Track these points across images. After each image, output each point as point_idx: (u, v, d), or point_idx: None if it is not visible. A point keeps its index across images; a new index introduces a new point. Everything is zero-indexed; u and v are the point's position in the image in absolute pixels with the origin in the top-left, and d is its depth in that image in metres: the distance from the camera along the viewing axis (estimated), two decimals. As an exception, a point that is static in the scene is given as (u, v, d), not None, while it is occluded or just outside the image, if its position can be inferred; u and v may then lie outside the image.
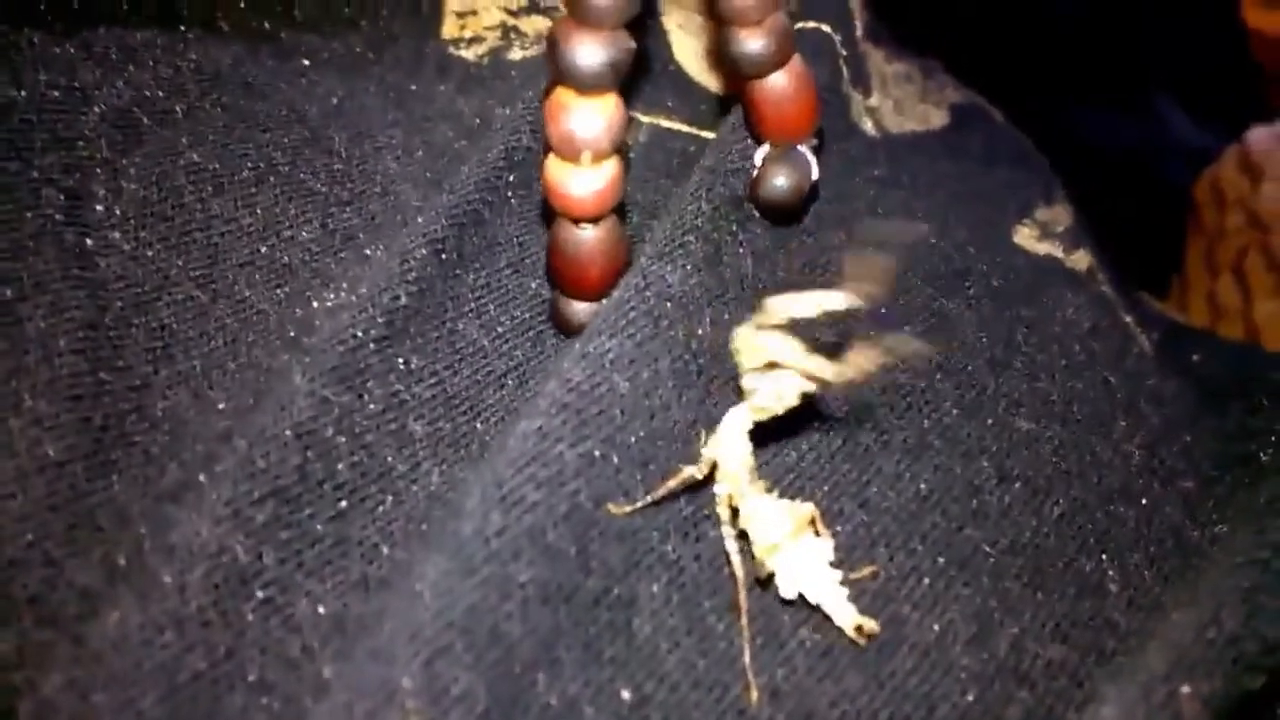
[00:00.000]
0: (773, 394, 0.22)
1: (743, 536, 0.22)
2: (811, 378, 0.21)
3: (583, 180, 0.23)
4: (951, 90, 0.43)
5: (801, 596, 0.22)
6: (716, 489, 0.22)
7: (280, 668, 0.20)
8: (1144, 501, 0.26)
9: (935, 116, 0.41)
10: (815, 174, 0.28)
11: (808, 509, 0.22)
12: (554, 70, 0.22)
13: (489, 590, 0.19)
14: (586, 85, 0.22)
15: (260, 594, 0.20)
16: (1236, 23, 0.82)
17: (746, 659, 0.21)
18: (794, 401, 0.22)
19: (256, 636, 0.20)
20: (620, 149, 0.23)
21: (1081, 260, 0.35)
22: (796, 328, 0.22)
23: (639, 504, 0.22)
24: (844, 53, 0.34)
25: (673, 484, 0.22)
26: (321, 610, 0.21)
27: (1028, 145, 0.43)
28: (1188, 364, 0.34)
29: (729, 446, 0.22)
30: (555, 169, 0.23)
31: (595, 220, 0.24)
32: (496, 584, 0.19)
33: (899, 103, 0.40)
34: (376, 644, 0.18)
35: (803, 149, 0.28)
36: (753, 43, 0.25)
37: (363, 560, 0.21)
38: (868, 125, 0.36)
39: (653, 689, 0.20)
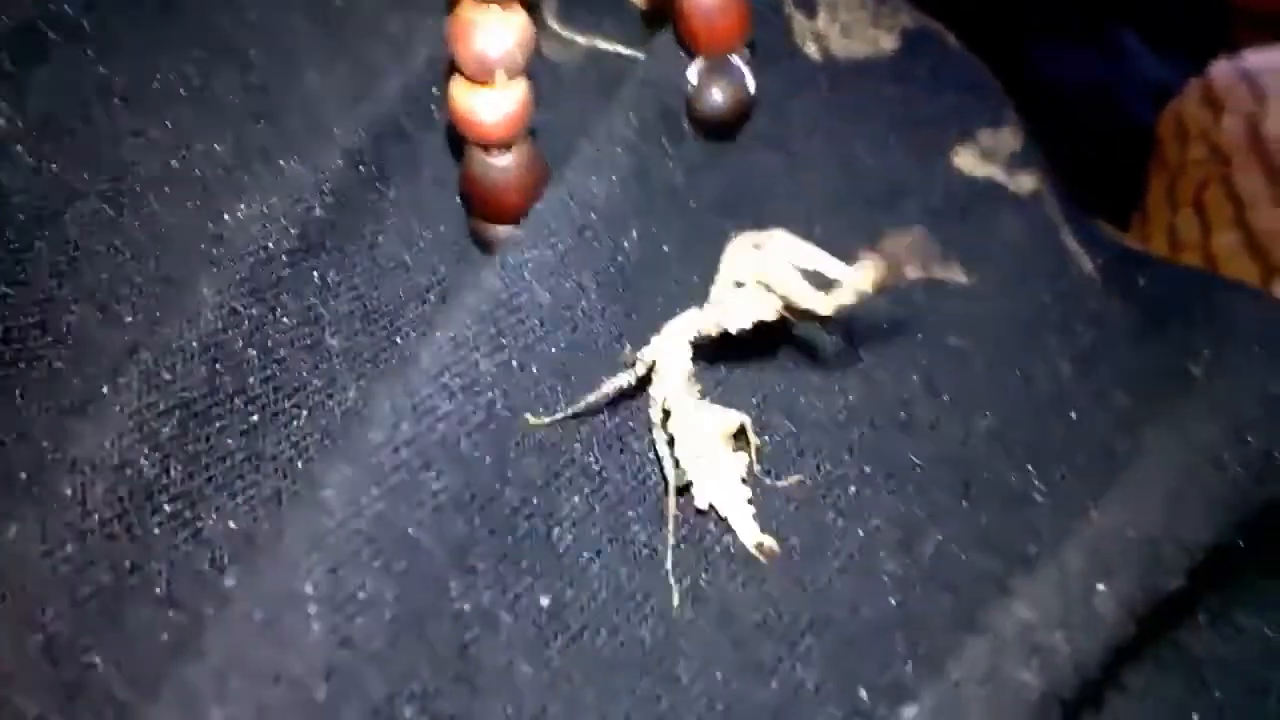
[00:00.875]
0: (737, 311, 0.21)
1: (672, 443, 0.22)
2: (790, 306, 0.21)
3: (492, 104, 0.22)
4: (905, 15, 0.43)
5: (713, 507, 0.21)
6: (652, 391, 0.22)
7: (188, 582, 0.20)
8: (1073, 415, 0.26)
9: (885, 41, 0.40)
10: (752, 87, 0.27)
11: (738, 418, 0.22)
12: None
13: (398, 499, 0.19)
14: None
15: (167, 508, 0.20)
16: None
17: (669, 563, 0.21)
18: (746, 326, 0.21)
19: (163, 550, 0.20)
20: (528, 70, 0.23)
21: (1025, 183, 0.35)
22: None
23: (560, 414, 0.21)
24: None
25: (603, 391, 0.22)
26: (232, 525, 0.20)
27: (980, 70, 0.42)
28: (1132, 287, 0.34)
29: (671, 349, 0.22)
30: (462, 94, 0.23)
31: (508, 146, 0.23)
32: (406, 492, 0.19)
33: (847, 26, 0.39)
34: (279, 552, 0.18)
35: (737, 61, 0.27)
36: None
37: (276, 475, 0.21)
38: (811, 49, 0.35)
39: (572, 595, 0.20)
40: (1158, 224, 0.71)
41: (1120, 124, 0.76)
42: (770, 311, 0.21)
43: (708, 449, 0.21)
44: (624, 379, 0.22)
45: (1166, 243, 0.69)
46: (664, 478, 0.22)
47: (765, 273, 0.21)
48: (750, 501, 0.22)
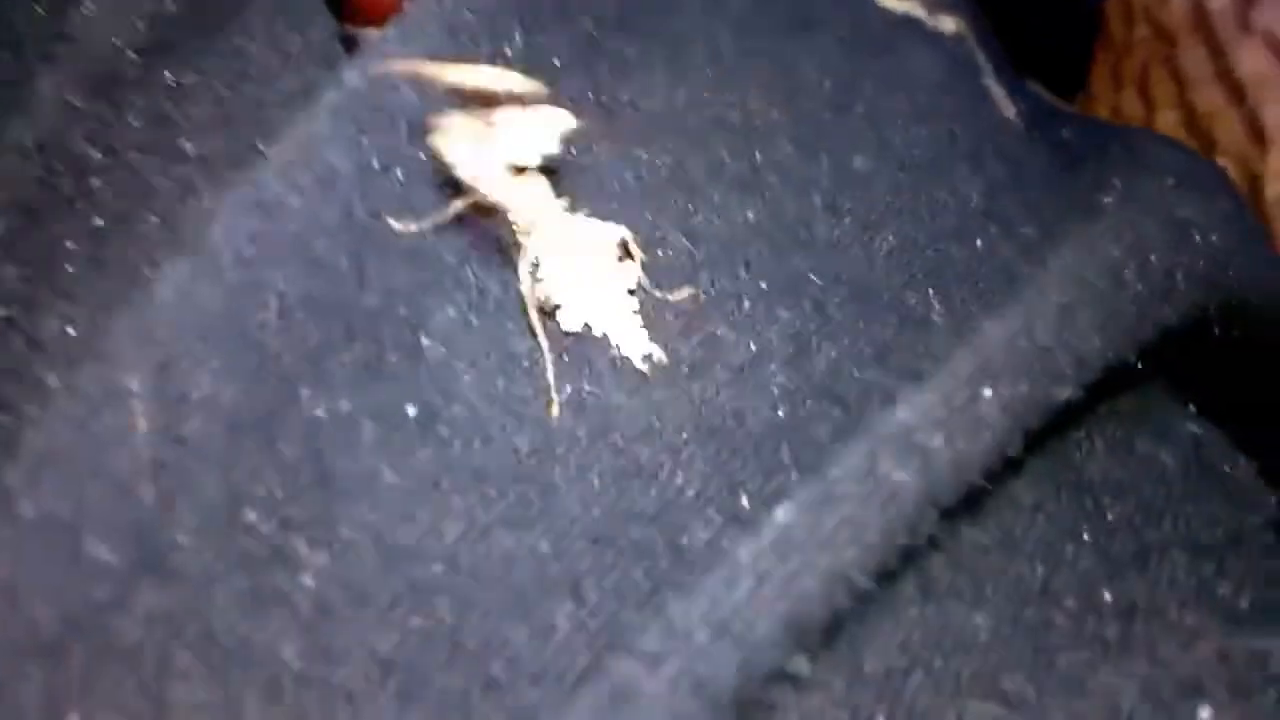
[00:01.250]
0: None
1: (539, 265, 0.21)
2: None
3: None
4: None
5: (587, 327, 0.20)
6: (511, 215, 0.21)
7: (16, 389, 0.18)
8: (978, 243, 0.25)
9: None
10: None
11: (617, 231, 0.21)
12: None
13: (239, 297, 0.17)
14: None
15: (1, 311, 0.18)
16: None
17: (550, 376, 0.20)
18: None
19: None
20: None
21: (945, 23, 0.33)
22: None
23: (426, 223, 0.20)
24: None
25: (460, 205, 0.20)
26: (70, 331, 0.19)
27: None
28: (1053, 135, 0.33)
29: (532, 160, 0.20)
30: None
31: None
32: (249, 291, 0.18)
33: None
34: (104, 349, 0.17)
35: None
36: None
37: (121, 280, 0.20)
38: None
39: (442, 404, 0.19)
40: (1102, 104, 0.70)
41: (1066, 3, 0.75)
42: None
43: (581, 265, 0.20)
44: (477, 194, 0.20)
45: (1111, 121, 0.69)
46: (528, 296, 0.20)
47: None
48: (637, 313, 0.21)
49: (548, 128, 0.20)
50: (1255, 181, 0.62)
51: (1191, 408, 0.25)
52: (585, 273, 0.21)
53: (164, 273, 0.17)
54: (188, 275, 0.17)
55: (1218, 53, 0.67)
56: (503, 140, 0.20)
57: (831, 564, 0.17)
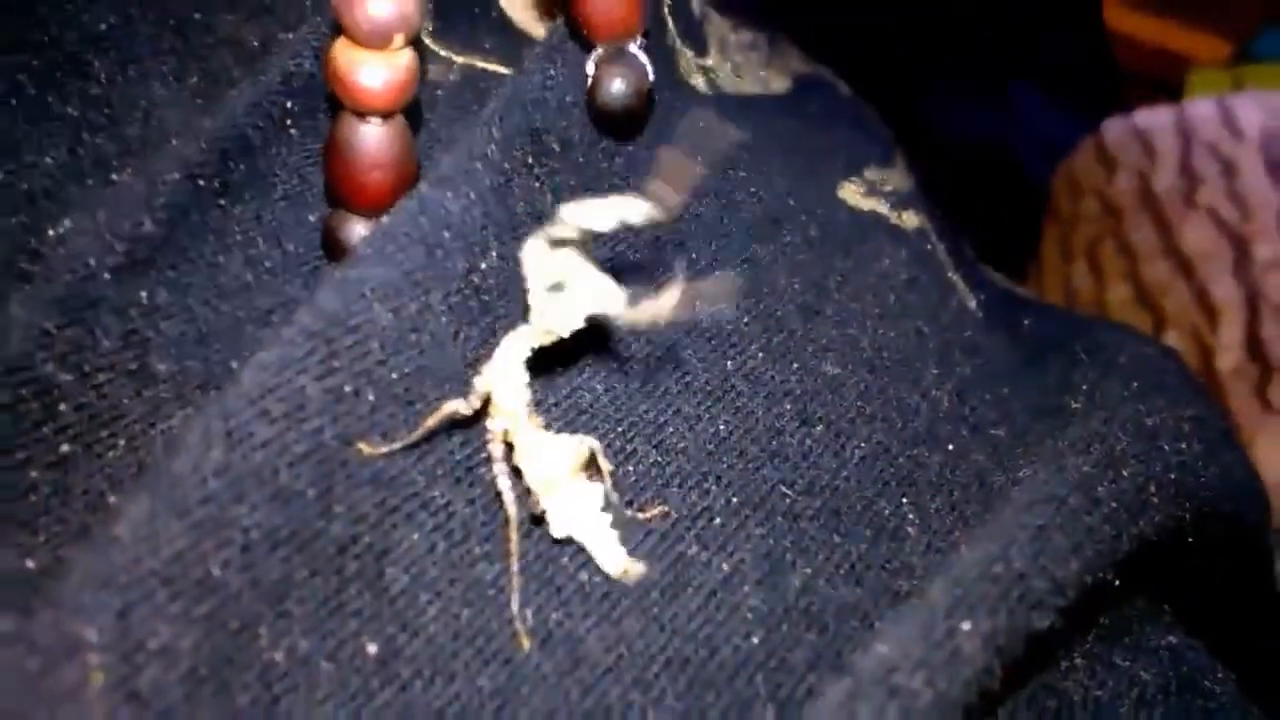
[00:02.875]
0: (559, 315, 0.20)
1: (517, 474, 0.20)
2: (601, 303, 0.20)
3: (380, 69, 0.22)
4: (797, 61, 0.43)
5: (570, 538, 0.20)
6: (489, 424, 0.20)
7: None
8: (950, 447, 0.25)
9: (776, 83, 0.40)
10: (651, 75, 0.27)
11: (588, 444, 0.21)
12: None
13: (202, 534, 0.17)
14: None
15: None
16: (1098, 22, 0.84)
17: (515, 604, 0.19)
18: (579, 324, 0.20)
19: None
20: (416, 40, 0.22)
21: (910, 220, 0.34)
22: (591, 243, 0.20)
23: (396, 445, 0.20)
24: (669, 3, 0.33)
25: (433, 421, 0.20)
26: (30, 565, 0.18)
27: (872, 115, 0.42)
28: (1016, 324, 0.33)
29: (505, 376, 0.20)
30: (345, 55, 0.22)
31: (386, 115, 0.22)
32: (212, 527, 0.17)
33: (738, 66, 0.39)
34: (62, 595, 0.16)
35: (634, 50, 0.26)
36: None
37: (85, 510, 0.19)
38: (699, 82, 0.34)
39: (405, 641, 0.18)
40: (1052, 276, 0.73)
41: (1015, 179, 0.78)
42: (597, 306, 0.20)
43: (558, 479, 0.20)
44: (455, 406, 0.20)
45: (1062, 295, 0.70)
46: (504, 513, 0.20)
47: (562, 273, 0.20)
48: (613, 527, 0.20)
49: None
50: (1207, 353, 0.64)
51: (1169, 615, 0.25)
52: (561, 486, 0.20)
53: (127, 510, 0.17)
54: (150, 513, 0.17)
55: (1165, 228, 0.69)
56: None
57: None
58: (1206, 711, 0.22)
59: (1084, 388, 0.27)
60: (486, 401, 0.21)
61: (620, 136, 0.27)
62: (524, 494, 0.20)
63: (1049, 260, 0.73)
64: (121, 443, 0.20)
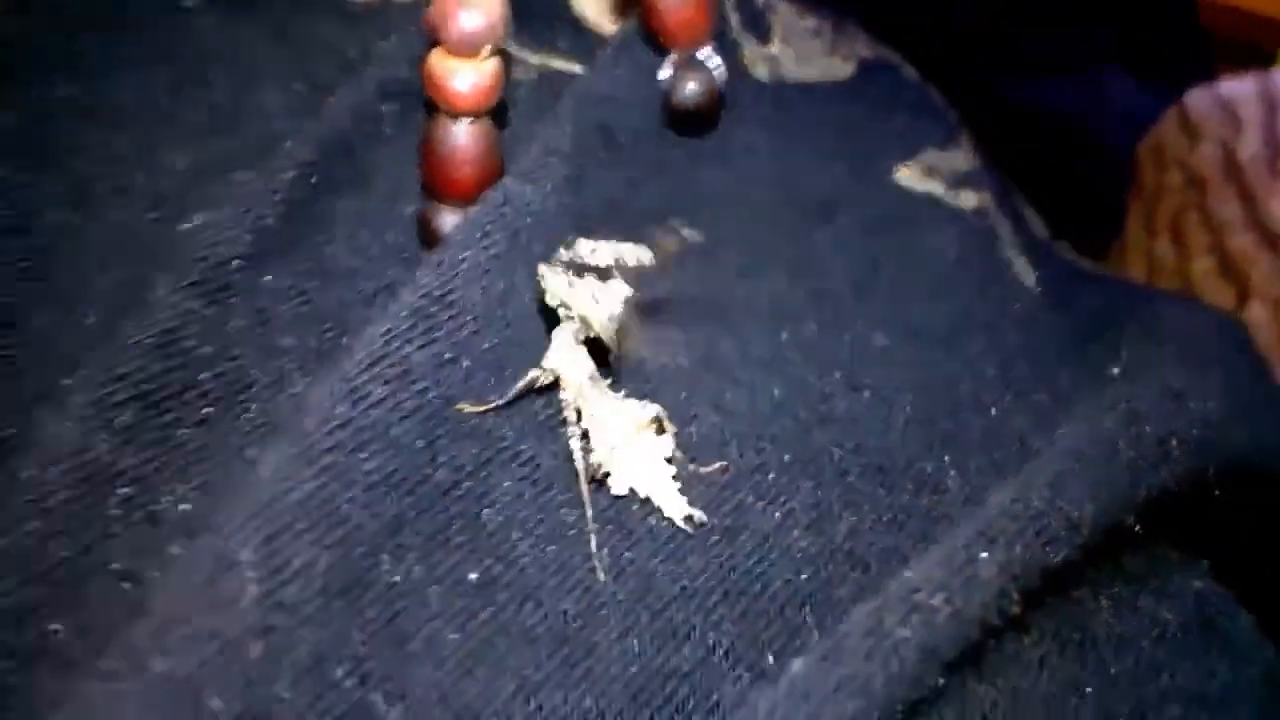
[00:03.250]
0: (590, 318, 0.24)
1: (586, 437, 0.24)
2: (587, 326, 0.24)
3: (469, 75, 0.25)
4: (863, 47, 0.45)
5: (633, 491, 0.23)
6: (562, 395, 0.24)
7: (143, 559, 0.21)
8: (993, 412, 0.27)
9: (840, 70, 0.42)
10: (722, 78, 0.30)
11: (652, 409, 0.24)
12: None
13: (330, 477, 0.21)
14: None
15: (121, 491, 0.22)
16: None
17: (593, 544, 0.23)
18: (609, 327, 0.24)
19: (119, 530, 0.22)
20: (502, 49, 0.26)
21: (967, 199, 0.37)
22: (591, 273, 0.24)
23: (490, 405, 0.23)
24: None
25: (520, 385, 0.23)
26: (184, 508, 0.22)
27: (936, 98, 0.44)
28: (1073, 300, 0.36)
29: (566, 357, 0.24)
30: (440, 63, 0.25)
31: (475, 116, 0.26)
32: (338, 472, 0.21)
33: (802, 54, 0.41)
34: (220, 524, 0.20)
35: (706, 53, 0.30)
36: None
37: (226, 463, 0.23)
38: (761, 72, 0.37)
39: (500, 571, 0.22)
40: (1136, 251, 0.73)
41: (1099, 153, 0.78)
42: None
43: (624, 439, 0.23)
44: (535, 374, 0.24)
45: (1145, 268, 0.71)
46: (575, 471, 0.23)
47: (561, 297, 0.24)
48: (675, 479, 0.23)
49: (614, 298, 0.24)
50: (1291, 323, 0.64)
51: (1200, 563, 0.27)
52: (627, 444, 0.24)
53: (267, 457, 0.21)
54: (287, 459, 0.20)
55: (1249, 199, 0.70)
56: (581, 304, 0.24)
57: (838, 713, 0.19)
58: (1225, 648, 0.25)
59: (1124, 354, 0.29)
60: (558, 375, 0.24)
61: (695, 133, 0.30)
62: (588, 452, 0.24)
63: (1133, 234, 0.74)
64: (254, 406, 0.24)
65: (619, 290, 0.24)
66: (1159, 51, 0.84)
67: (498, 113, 0.27)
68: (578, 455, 0.23)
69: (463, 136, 0.26)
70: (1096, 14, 0.81)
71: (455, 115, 0.26)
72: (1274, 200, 0.66)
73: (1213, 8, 0.94)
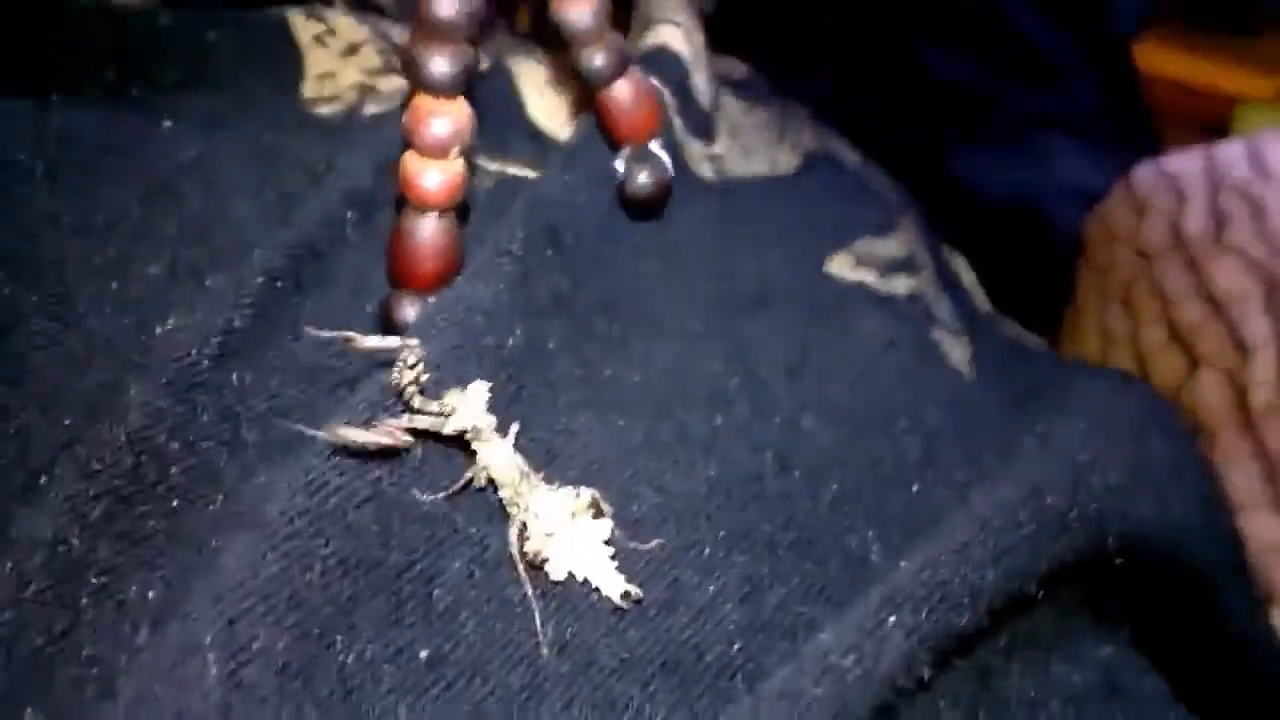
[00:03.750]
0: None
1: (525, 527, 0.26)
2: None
3: (435, 174, 0.29)
4: (810, 137, 0.48)
5: (571, 575, 0.26)
6: (500, 492, 0.26)
7: (110, 644, 0.23)
8: (915, 488, 0.30)
9: (786, 163, 0.46)
10: (670, 169, 0.33)
11: (588, 495, 0.26)
12: (413, 81, 0.28)
13: (290, 562, 0.23)
14: (443, 90, 0.29)
15: (94, 580, 0.24)
16: (1128, 66, 0.89)
17: (537, 622, 0.25)
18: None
19: (90, 618, 0.24)
20: (466, 151, 0.29)
21: (899, 285, 0.40)
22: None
23: (441, 494, 0.26)
24: (674, 103, 0.39)
25: (458, 486, 0.26)
26: (151, 595, 0.24)
27: (878, 184, 0.48)
28: (1007, 375, 0.39)
29: (496, 459, 0.26)
30: (413, 163, 0.29)
31: (441, 211, 0.29)
32: (298, 557, 0.23)
33: (748, 147, 0.45)
34: (186, 609, 0.22)
35: (654, 148, 0.33)
36: (596, 57, 0.32)
37: (193, 551, 0.25)
38: (705, 170, 0.40)
39: (449, 649, 0.24)
40: (1089, 318, 0.77)
41: (1048, 225, 0.82)
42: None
43: (560, 526, 0.25)
44: (468, 476, 0.26)
45: (1099, 337, 0.74)
46: (513, 556, 0.26)
47: None
48: (613, 558, 0.26)
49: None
50: (1242, 392, 0.68)
51: (1115, 630, 0.30)
52: (564, 531, 0.26)
53: (231, 545, 0.23)
54: (251, 545, 0.23)
55: (1196, 271, 0.74)
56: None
57: None
58: (1132, 708, 0.27)
59: (1039, 429, 0.32)
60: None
61: (646, 219, 0.34)
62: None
63: (1086, 305, 0.78)
64: (220, 498, 0.26)
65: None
66: (1102, 122, 0.89)
67: (461, 211, 0.30)
68: (513, 544, 0.26)
69: (429, 229, 0.29)
70: (1045, 84, 0.86)
71: (424, 210, 0.29)
72: (1220, 272, 0.70)
73: (1164, 83, 0.99)
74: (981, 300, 0.50)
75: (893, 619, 0.23)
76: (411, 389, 0.26)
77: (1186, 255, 0.73)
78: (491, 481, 0.26)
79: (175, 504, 0.26)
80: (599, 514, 0.27)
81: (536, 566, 0.26)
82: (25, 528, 0.24)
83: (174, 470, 0.26)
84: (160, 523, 0.25)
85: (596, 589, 0.26)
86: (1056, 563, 0.26)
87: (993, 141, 0.84)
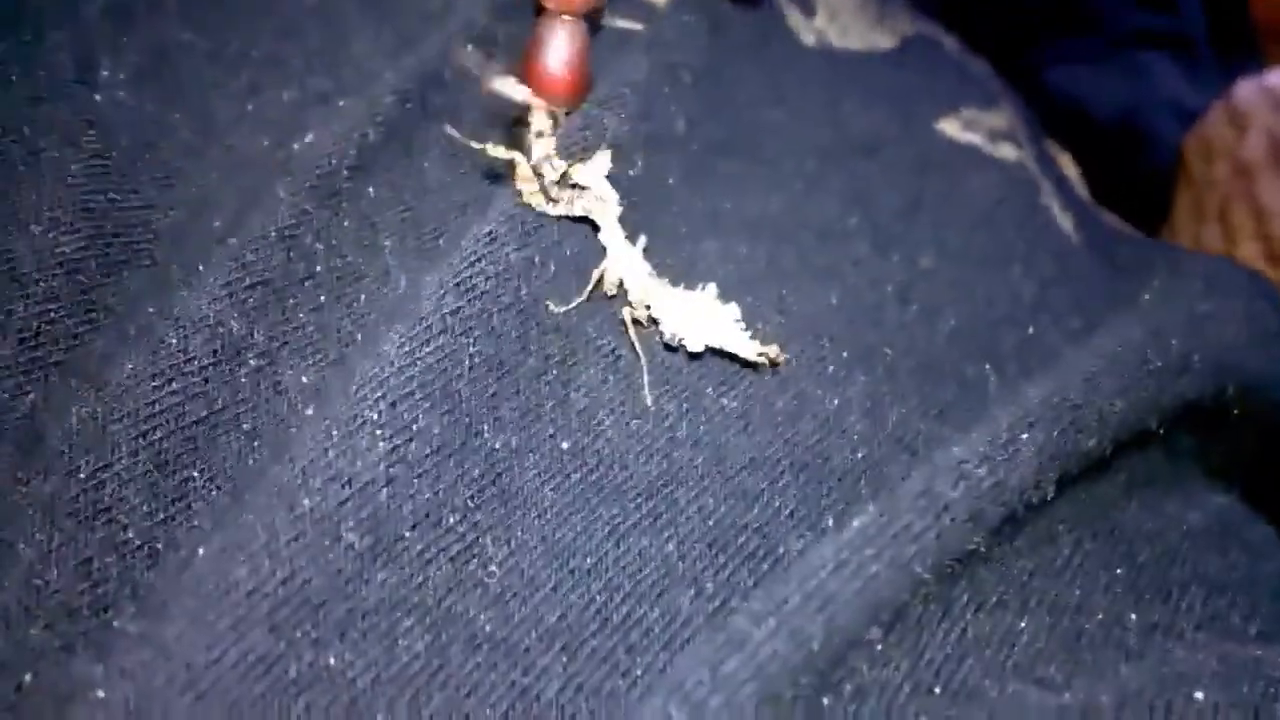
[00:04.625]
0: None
1: (654, 322, 0.29)
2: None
3: None
4: (907, 23, 0.50)
5: (708, 348, 0.28)
6: (623, 308, 0.29)
7: (269, 420, 0.26)
8: (1029, 329, 0.32)
9: (884, 42, 0.47)
10: None
11: (711, 288, 0.29)
12: None
13: (443, 355, 0.25)
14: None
15: (252, 362, 0.26)
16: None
17: (645, 380, 0.28)
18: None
19: (248, 396, 0.26)
20: None
21: (1007, 152, 0.41)
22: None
23: (573, 304, 0.28)
24: None
25: (590, 287, 0.28)
26: (305, 380, 0.27)
27: (979, 68, 0.49)
28: (1109, 250, 0.40)
29: (624, 263, 0.29)
30: None
31: (575, 16, 0.31)
32: (449, 352, 0.25)
33: (845, 28, 0.46)
34: (349, 391, 0.24)
35: None
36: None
37: (340, 344, 0.28)
38: (808, 39, 0.42)
39: (589, 442, 0.26)
40: (1185, 237, 0.78)
41: (1146, 141, 0.83)
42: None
43: (692, 309, 0.28)
44: (597, 273, 0.28)
45: (1192, 254, 0.75)
46: (622, 323, 0.28)
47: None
48: (744, 330, 0.28)
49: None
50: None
51: (1225, 483, 0.31)
52: (697, 314, 0.28)
53: (389, 336, 0.25)
54: (408, 337, 0.25)
55: (1297, 185, 0.74)
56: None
57: (895, 556, 0.23)
58: (1244, 547, 0.29)
59: (1154, 284, 0.33)
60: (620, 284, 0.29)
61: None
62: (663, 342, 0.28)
63: (1180, 222, 0.78)
64: (363, 297, 0.28)
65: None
66: (1204, 38, 0.88)
67: (592, 25, 0.32)
68: (632, 332, 0.28)
69: (564, 32, 0.31)
70: (1149, 1, 0.86)
71: (561, 13, 0.31)
72: (1320, 187, 0.70)
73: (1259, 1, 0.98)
74: (1083, 190, 0.51)
75: (1025, 435, 0.25)
76: (545, 163, 0.28)
77: (1288, 170, 0.74)
78: (619, 285, 0.28)
79: (323, 299, 0.28)
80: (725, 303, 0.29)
81: (673, 349, 0.28)
82: (186, 310, 0.26)
83: (320, 269, 0.28)
84: (310, 316, 0.28)
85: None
86: (1180, 400, 0.28)
87: (1094, 57, 0.84)
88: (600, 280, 0.28)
